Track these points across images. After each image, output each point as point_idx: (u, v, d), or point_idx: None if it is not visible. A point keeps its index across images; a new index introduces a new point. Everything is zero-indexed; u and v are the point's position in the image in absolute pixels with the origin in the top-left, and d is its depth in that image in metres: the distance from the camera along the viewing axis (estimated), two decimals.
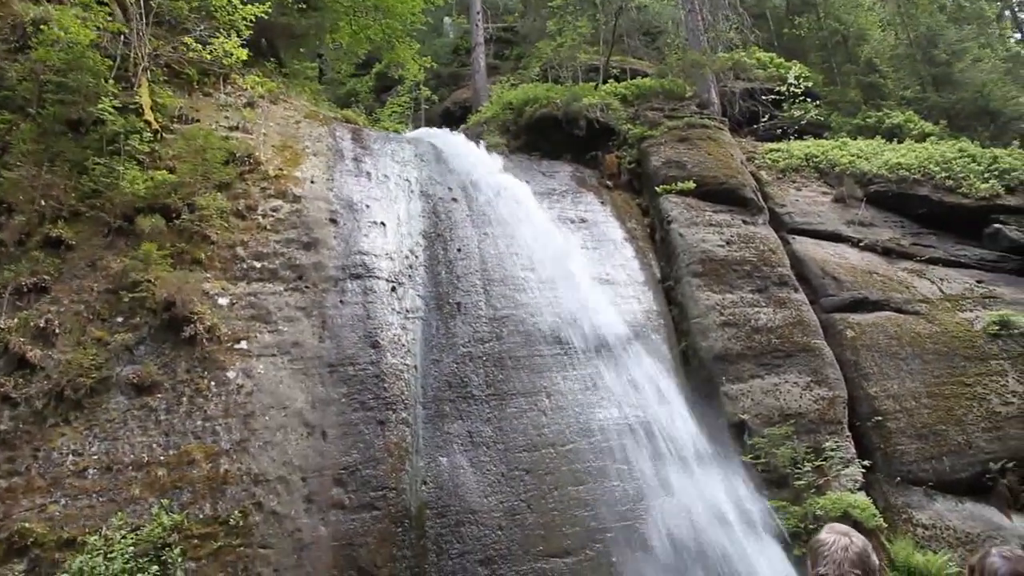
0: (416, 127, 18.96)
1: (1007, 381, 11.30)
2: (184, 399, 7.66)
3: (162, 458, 7.22)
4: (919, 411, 10.77)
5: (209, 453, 7.42)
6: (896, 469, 10.24)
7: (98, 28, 9.76)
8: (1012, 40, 31.03)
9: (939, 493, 10.16)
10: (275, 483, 7.53)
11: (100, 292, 8.05)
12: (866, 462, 10.05)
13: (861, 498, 9.45)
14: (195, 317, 8.05)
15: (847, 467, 9.86)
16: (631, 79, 17.14)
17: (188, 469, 7.25)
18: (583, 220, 12.72)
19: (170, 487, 7.09)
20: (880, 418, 10.62)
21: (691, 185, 12.87)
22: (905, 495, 10.05)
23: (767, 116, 18.04)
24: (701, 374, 10.89)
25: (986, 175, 14.35)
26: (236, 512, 7.17)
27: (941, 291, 12.75)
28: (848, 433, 10.41)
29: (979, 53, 21.61)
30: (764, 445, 9.83)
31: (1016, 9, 32.25)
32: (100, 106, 8.78)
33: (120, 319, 7.93)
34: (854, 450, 10.25)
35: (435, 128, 15.92)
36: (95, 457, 7.02)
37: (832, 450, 9.89)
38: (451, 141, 13.59)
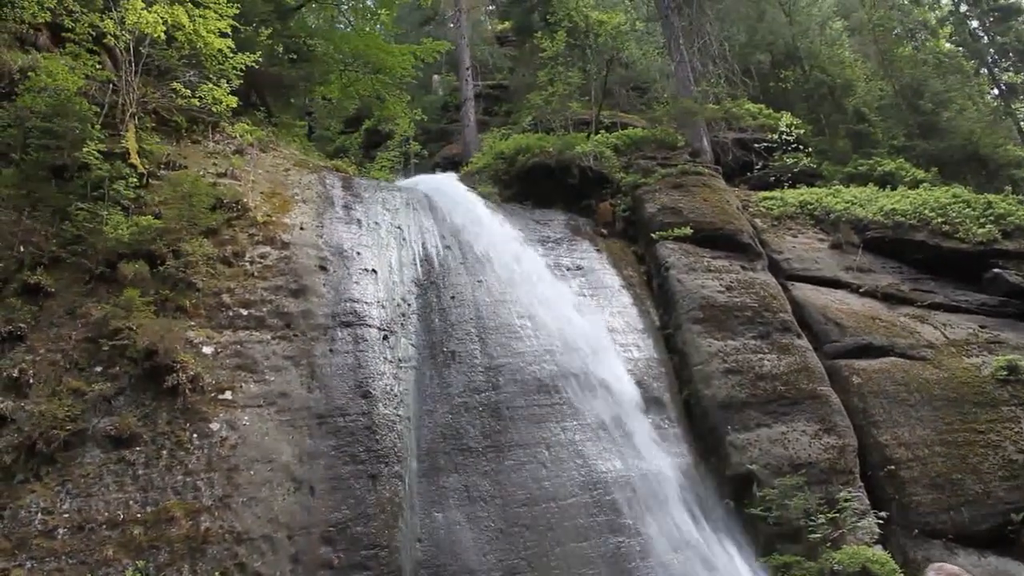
0: None
1: (1020, 427, 10.95)
2: (164, 452, 7.20)
3: (139, 516, 6.72)
4: (932, 459, 10.37)
5: (189, 510, 6.93)
6: (913, 521, 9.79)
7: (87, 76, 9.67)
8: (989, 96, 31.65)
9: (960, 546, 9.67)
10: (259, 542, 7.02)
11: (78, 340, 7.67)
12: (882, 513, 9.60)
13: (879, 552, 8.99)
14: (178, 366, 7.66)
15: (862, 519, 9.42)
16: (621, 131, 17.17)
17: (166, 527, 6.74)
18: (579, 267, 12.49)
19: (146, 547, 6.58)
20: (893, 467, 10.21)
21: (688, 231, 12.72)
22: (924, 549, 9.56)
23: (760, 164, 18.07)
24: (705, 423, 10.50)
25: (982, 220, 14.32)
26: (217, 574, 6.66)
27: (945, 336, 12.50)
28: (861, 483, 10.00)
29: (963, 104, 21.94)
30: (775, 497, 9.40)
31: (992, 65, 32.97)
32: (85, 150, 8.57)
33: (99, 368, 7.54)
34: (867, 501, 9.82)
35: (429, 175, 15.86)
36: (66, 515, 6.52)
37: (846, 501, 9.46)
38: (447, 188, 13.47)
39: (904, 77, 21.92)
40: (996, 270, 13.79)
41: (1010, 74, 31.35)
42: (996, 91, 32.14)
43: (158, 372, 7.58)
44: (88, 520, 6.58)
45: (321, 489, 7.68)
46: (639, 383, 10.65)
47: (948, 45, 30.72)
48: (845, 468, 10.03)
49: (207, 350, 8.17)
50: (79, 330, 7.75)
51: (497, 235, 12.00)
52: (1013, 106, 30.15)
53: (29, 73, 9.13)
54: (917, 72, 21.99)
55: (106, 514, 6.67)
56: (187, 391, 7.63)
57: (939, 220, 14.31)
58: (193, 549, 6.75)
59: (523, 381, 9.94)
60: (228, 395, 7.92)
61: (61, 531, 6.44)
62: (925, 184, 16.59)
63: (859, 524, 9.37)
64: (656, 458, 9.76)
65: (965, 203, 14.90)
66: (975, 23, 32.35)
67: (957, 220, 14.32)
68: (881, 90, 22.76)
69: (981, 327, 13.02)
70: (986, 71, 32.23)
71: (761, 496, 9.50)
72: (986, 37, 31.75)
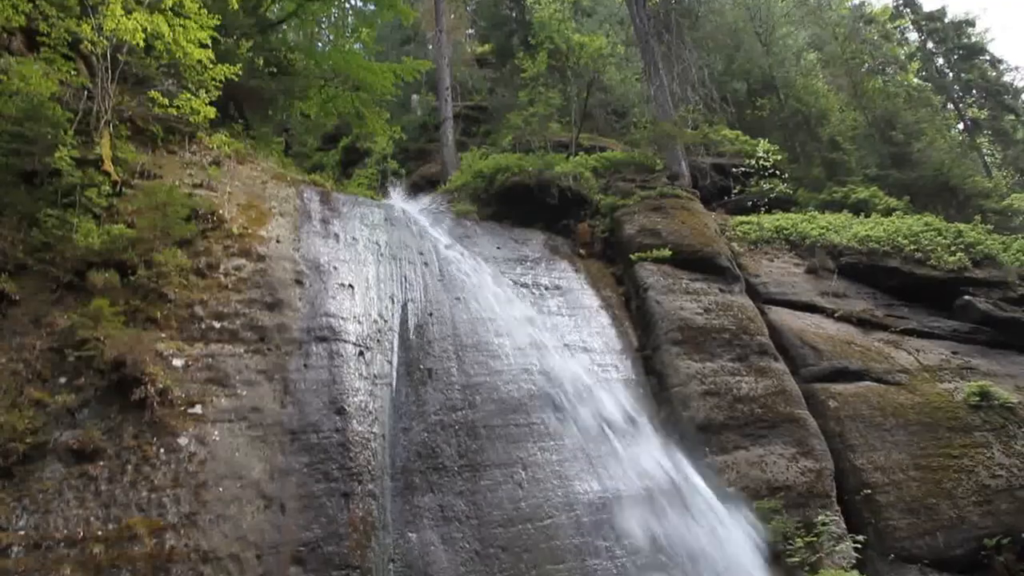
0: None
1: (993, 453, 11.05)
2: (129, 467, 6.93)
3: (100, 533, 6.43)
4: (908, 484, 10.40)
5: (154, 527, 6.66)
6: (889, 545, 9.78)
7: (61, 82, 9.45)
8: (956, 130, 32.50)
9: (935, 571, 9.68)
10: (226, 561, 6.76)
11: (43, 351, 7.38)
12: (859, 537, 9.57)
13: None
14: (146, 379, 7.39)
15: (839, 543, 9.38)
16: (600, 153, 17.26)
17: (129, 546, 6.46)
18: (557, 287, 12.44)
19: (107, 566, 6.28)
20: (869, 491, 10.21)
21: (667, 253, 12.74)
22: (900, 574, 9.54)
23: (737, 189, 18.27)
24: (683, 445, 10.42)
25: (953, 248, 14.59)
26: None
27: (919, 362, 12.62)
28: (838, 507, 9.99)
29: (933, 136, 22.47)
30: (753, 520, 9.31)
31: (957, 101, 33.89)
32: (57, 156, 8.32)
33: (63, 380, 7.25)
34: (844, 525, 9.80)
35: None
36: (22, 532, 6.21)
37: (823, 525, 9.43)
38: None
39: (876, 109, 22.42)
40: (967, 297, 14.04)
41: (974, 110, 32.25)
42: (962, 125, 33.05)
43: (125, 384, 7.30)
44: (45, 537, 6.26)
45: (292, 507, 7.45)
46: (617, 404, 10.56)
47: (916, 80, 31.59)
48: (822, 492, 10.01)
49: (177, 363, 7.92)
50: (44, 340, 7.46)
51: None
52: (978, 140, 31.01)
53: (0, 77, 8.89)
54: (888, 104, 22.52)
55: (65, 531, 6.37)
56: (155, 404, 7.35)
57: (912, 247, 14.54)
58: (156, 568, 6.47)
59: (500, 400, 9.81)
60: (198, 409, 7.67)
61: (16, 549, 6.12)
62: (898, 212, 16.90)
63: (836, 548, 9.33)
64: (632, 479, 9.65)
65: (936, 231, 15.19)
66: (941, 60, 33.32)
67: (929, 248, 14.57)
68: (854, 120, 23.26)
69: (953, 353, 13.19)
70: (951, 106, 33.15)
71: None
72: (951, 74, 32.71)
